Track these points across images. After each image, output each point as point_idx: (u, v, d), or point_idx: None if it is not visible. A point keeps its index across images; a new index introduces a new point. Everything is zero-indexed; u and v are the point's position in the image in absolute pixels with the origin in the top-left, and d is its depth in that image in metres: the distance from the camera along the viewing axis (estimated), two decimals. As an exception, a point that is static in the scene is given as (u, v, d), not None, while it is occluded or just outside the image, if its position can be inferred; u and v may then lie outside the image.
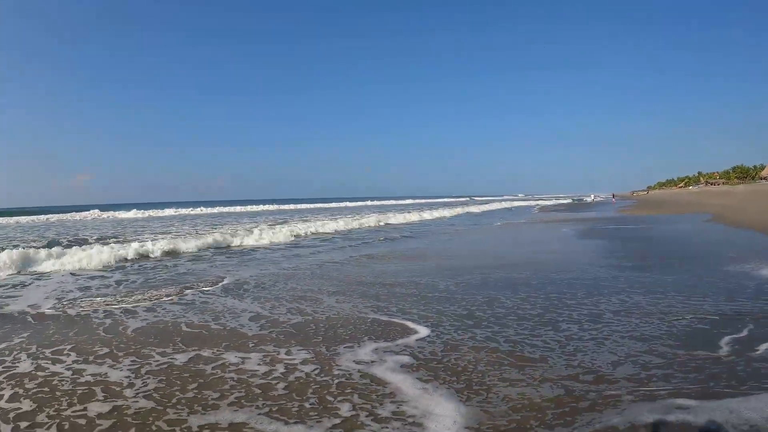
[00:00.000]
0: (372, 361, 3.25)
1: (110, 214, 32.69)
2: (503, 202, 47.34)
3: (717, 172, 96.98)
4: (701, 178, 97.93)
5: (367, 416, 2.43)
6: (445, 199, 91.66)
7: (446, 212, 25.53)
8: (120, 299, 5.46)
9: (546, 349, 3.40)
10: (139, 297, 5.54)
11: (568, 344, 3.51)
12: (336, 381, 2.91)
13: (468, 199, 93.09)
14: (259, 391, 2.78)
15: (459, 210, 28.71)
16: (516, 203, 47.73)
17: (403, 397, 2.63)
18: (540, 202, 46.94)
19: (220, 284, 6.27)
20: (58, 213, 34.20)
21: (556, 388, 2.71)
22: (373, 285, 5.90)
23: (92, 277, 7.16)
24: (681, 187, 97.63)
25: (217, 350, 3.54)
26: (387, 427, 2.30)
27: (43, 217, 30.52)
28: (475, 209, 30.36)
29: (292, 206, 48.97)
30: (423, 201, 72.32)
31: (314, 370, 3.12)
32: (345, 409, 2.52)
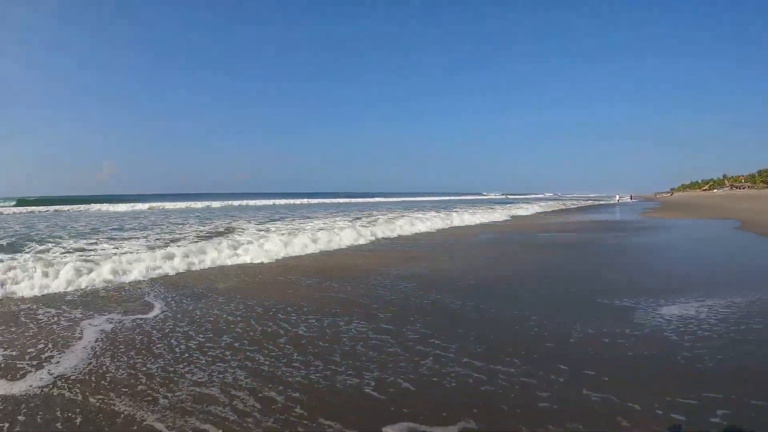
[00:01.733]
0: (95, 325, 4.51)
1: (109, 206, 32.39)
2: (533, 204, 41.91)
3: (742, 176, 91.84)
4: (726, 181, 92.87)
5: (33, 356, 3.68)
6: (485, 196, 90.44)
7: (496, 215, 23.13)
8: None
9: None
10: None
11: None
12: (63, 333, 4.26)
13: (504, 197, 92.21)
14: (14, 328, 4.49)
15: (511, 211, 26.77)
16: (541, 204, 43.06)
17: (70, 350, 3.81)
18: (547, 204, 43.82)
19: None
20: (75, 204, 34.31)
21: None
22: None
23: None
24: (705, 189, 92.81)
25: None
26: (31, 364, 3.49)
27: (51, 208, 30.50)
28: (523, 212, 27.73)
29: (305, 201, 47.72)
30: (458, 198, 72.47)
31: (65, 324, 4.57)
32: (34, 349, 3.84)
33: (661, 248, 9.96)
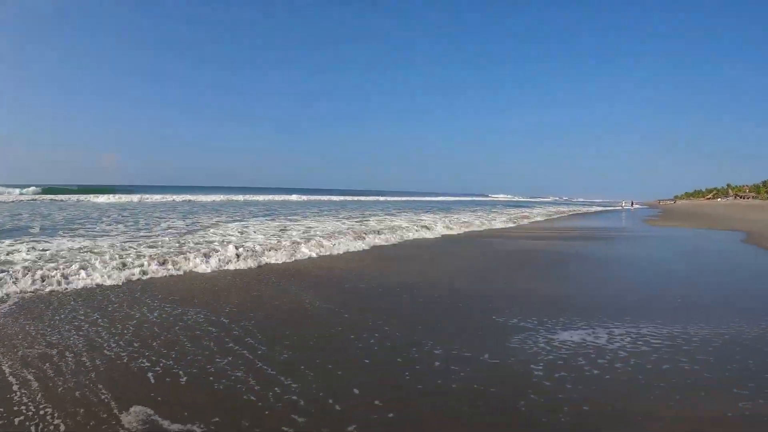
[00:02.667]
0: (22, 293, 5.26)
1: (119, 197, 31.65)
2: (538, 208, 38.87)
3: (747, 185, 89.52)
4: (730, 191, 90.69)
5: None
6: (489, 198, 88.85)
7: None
8: None
9: None
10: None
11: None
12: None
13: (512, 198, 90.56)
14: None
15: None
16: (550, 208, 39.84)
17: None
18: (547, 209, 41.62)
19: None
20: (94, 193, 33.70)
21: None
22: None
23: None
24: (709, 198, 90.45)
25: None
26: None
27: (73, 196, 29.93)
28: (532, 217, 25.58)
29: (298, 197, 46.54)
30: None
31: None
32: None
33: (644, 261, 8.95)
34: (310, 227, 13.21)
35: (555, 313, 4.67)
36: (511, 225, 18.79)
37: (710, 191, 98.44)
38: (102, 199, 30.70)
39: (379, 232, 12.23)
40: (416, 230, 13.63)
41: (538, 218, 23.88)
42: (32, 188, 38.25)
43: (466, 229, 15.76)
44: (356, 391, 2.79)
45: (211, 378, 2.97)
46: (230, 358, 3.30)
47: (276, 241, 9.52)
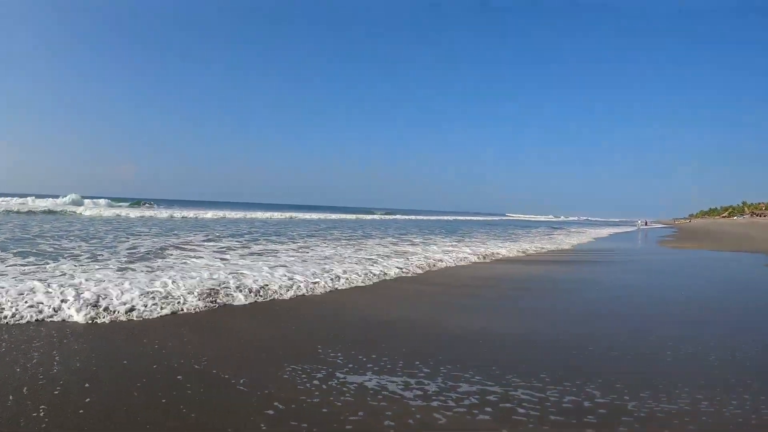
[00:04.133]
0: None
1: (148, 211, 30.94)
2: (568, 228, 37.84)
3: (763, 203, 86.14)
4: (746, 208, 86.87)
5: None
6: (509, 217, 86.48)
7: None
8: None
9: None
10: None
11: None
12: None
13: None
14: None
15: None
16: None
17: None
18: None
19: None
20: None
21: None
22: None
23: None
24: (725, 216, 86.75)
25: None
26: None
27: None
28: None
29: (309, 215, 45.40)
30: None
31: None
32: None
33: (642, 290, 7.54)
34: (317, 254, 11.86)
35: (408, 352, 3.63)
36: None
37: (726, 209, 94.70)
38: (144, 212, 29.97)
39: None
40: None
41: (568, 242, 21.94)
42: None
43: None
44: (90, 398, 2.74)
45: (21, 360, 3.29)
46: (54, 354, 3.51)
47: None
